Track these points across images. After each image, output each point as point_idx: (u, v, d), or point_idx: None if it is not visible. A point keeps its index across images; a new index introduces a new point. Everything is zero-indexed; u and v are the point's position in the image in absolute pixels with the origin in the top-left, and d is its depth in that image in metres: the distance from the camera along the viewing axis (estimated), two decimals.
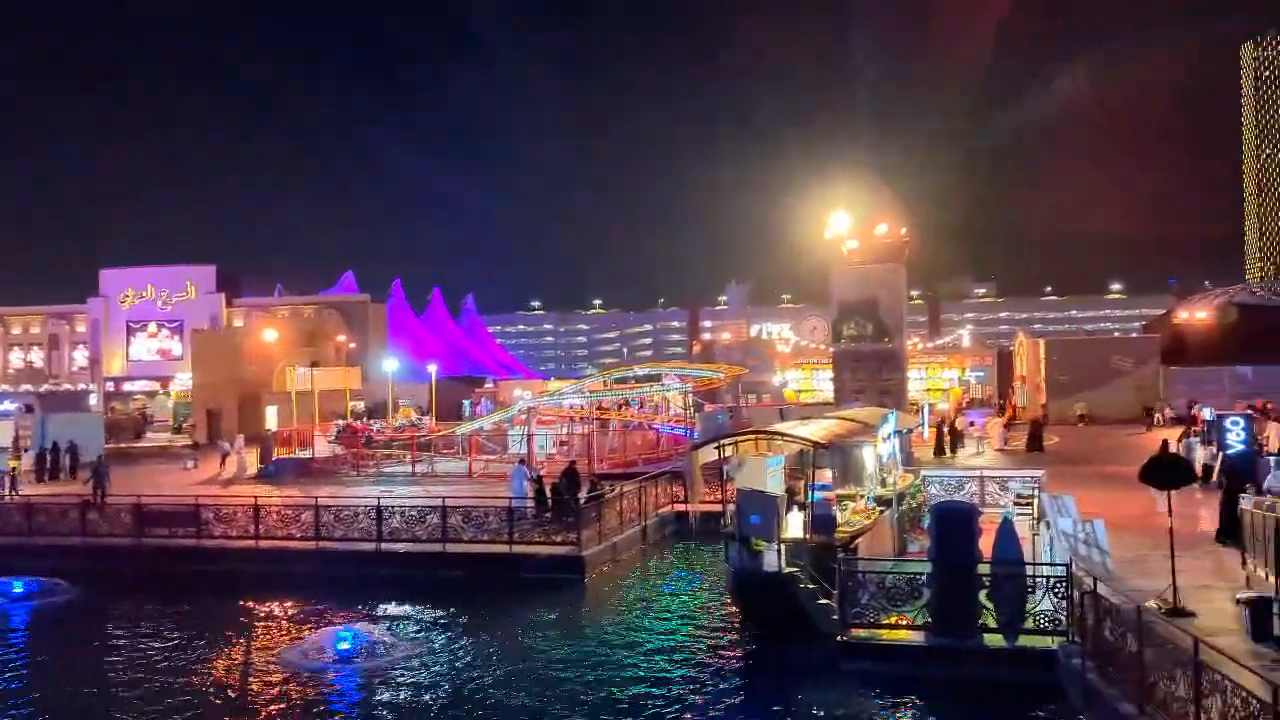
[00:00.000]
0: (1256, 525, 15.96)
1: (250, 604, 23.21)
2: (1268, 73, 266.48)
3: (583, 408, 44.06)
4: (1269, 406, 46.89)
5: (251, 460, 41.16)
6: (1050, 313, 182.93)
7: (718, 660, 18.05)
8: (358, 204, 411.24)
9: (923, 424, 39.28)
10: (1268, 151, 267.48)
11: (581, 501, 25.64)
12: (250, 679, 17.68)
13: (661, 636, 19.77)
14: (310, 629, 20.60)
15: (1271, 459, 30.02)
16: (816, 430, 21.68)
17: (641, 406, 46.72)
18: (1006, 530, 16.40)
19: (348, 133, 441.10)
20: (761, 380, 64.58)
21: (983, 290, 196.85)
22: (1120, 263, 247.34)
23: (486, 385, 79.77)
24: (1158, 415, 50.83)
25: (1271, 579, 14.06)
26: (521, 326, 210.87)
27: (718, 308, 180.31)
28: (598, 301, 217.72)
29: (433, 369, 60.45)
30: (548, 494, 27.02)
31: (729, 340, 77.10)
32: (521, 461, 30.18)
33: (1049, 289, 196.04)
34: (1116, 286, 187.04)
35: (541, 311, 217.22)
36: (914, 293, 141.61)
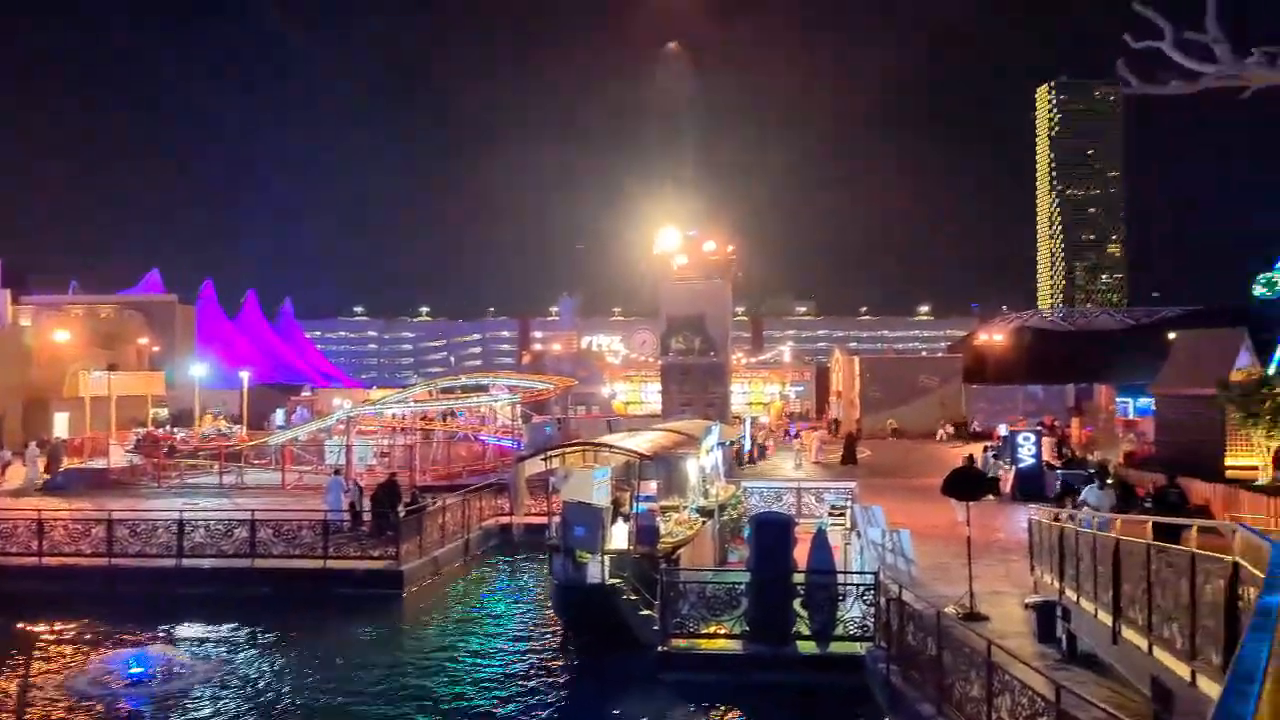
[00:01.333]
0: (1042, 534, 17.12)
1: (33, 627, 21.24)
2: (1060, 113, 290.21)
3: (406, 418, 42.90)
4: (1056, 424, 50.82)
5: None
6: (865, 331, 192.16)
7: (539, 674, 17.84)
8: (168, 200, 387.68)
9: (744, 436, 40.34)
10: (1059, 187, 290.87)
11: (401, 514, 24.87)
12: (30, 709, 16.15)
13: (482, 651, 19.41)
14: (101, 652, 19.05)
15: (1059, 472, 32.57)
16: (643, 442, 21.88)
17: (468, 417, 45.94)
18: (820, 540, 16.98)
19: (159, 123, 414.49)
20: (591, 392, 64.82)
21: (804, 309, 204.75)
22: (929, 287, 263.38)
23: (304, 393, 76.50)
24: (940, 432, 54.29)
25: (1056, 584, 15.08)
26: (344, 333, 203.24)
27: (549, 319, 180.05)
28: (425, 309, 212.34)
29: (245, 375, 57.39)
30: (366, 507, 26.10)
31: (560, 351, 76.93)
32: (337, 472, 28.98)
33: (864, 309, 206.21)
34: (924, 309, 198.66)
35: (365, 318, 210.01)
36: (739, 309, 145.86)
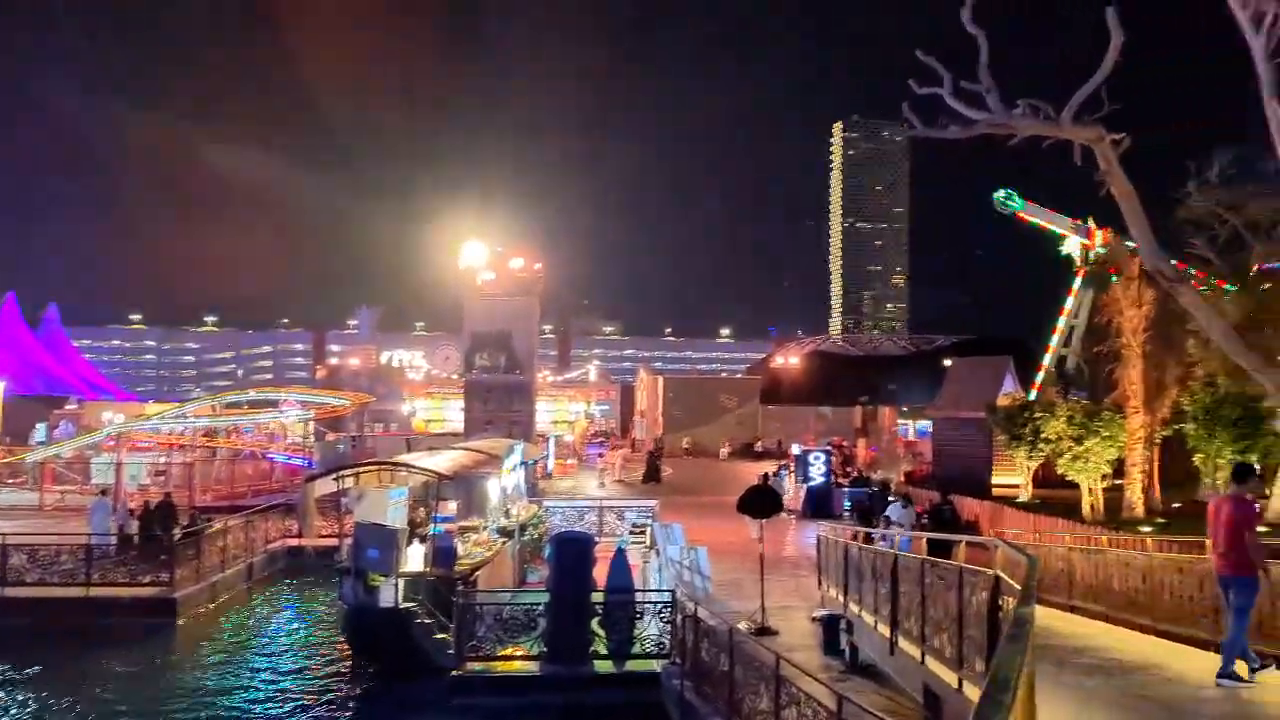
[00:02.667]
0: (829, 550, 17.86)
1: None
2: (851, 151, 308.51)
3: (185, 434, 40.16)
4: (844, 443, 53.55)
5: None
6: (670, 352, 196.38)
7: (325, 703, 16.99)
8: None
9: (547, 455, 40.19)
10: (850, 220, 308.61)
11: (177, 537, 23.17)
12: None
13: (264, 681, 18.29)
14: None
15: (845, 490, 34.24)
16: (442, 461, 21.34)
17: (255, 434, 43.53)
18: (619, 559, 17.04)
19: None
20: (390, 409, 62.96)
21: (611, 328, 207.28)
22: (731, 310, 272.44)
23: (69, 406, 70.40)
24: (722, 450, 56.44)
25: (841, 598, 15.73)
26: (118, 342, 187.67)
27: (347, 331, 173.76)
28: (211, 318, 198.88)
29: (0, 386, 52.16)
30: (137, 529, 24.16)
31: (357, 366, 74.26)
32: (103, 493, 26.71)
33: (669, 330, 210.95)
34: (726, 331, 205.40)
35: (143, 326, 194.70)
36: (546, 326, 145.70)
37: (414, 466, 20.46)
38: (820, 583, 18.59)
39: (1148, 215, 19.56)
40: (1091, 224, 51.31)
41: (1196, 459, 25.41)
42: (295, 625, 23.43)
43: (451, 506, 21.31)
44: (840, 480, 37.05)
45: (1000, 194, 50.99)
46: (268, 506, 29.47)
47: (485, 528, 22.73)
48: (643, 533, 25.29)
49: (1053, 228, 51.99)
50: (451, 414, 59.00)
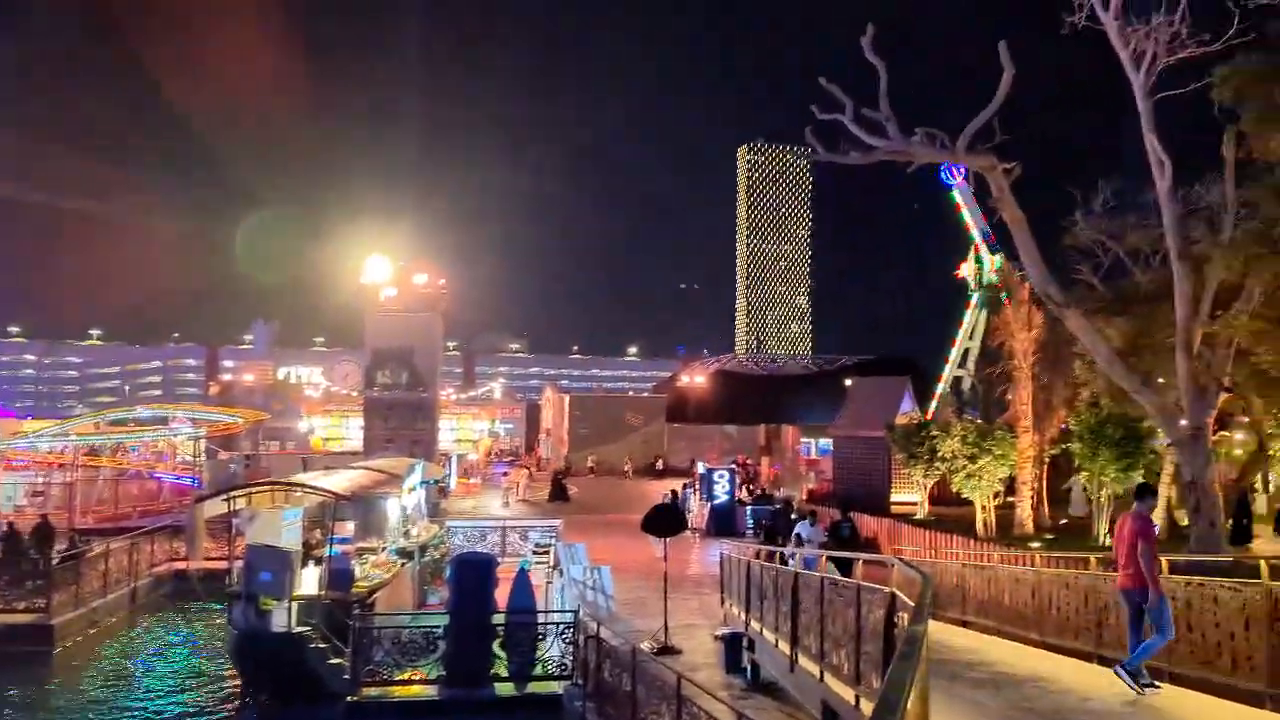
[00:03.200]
0: (732, 568, 17.95)
1: None
2: (756, 174, 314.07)
3: (66, 452, 38.28)
4: (748, 462, 54.12)
5: None
6: (576, 370, 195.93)
7: None
8: None
9: (449, 474, 39.58)
10: (755, 241, 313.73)
11: (54, 561, 22.01)
12: None
13: (147, 710, 17.47)
14: None
15: (748, 508, 34.56)
16: (340, 481, 20.77)
17: (142, 452, 41.75)
18: (521, 580, 16.83)
19: None
20: (286, 426, 61.18)
21: (516, 345, 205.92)
22: (638, 327, 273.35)
23: None
24: (626, 468, 56.74)
25: (743, 616, 15.81)
26: None
27: (242, 347, 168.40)
28: (96, 332, 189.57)
29: None
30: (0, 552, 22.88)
31: (252, 382, 72.06)
32: None
33: (576, 348, 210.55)
34: (633, 349, 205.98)
35: (22, 339, 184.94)
36: (451, 344, 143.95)
37: (310, 486, 19.86)
38: (723, 601, 18.67)
39: (1037, 242, 20.35)
40: (986, 249, 53.23)
41: (1081, 476, 26.42)
42: (181, 652, 22.47)
43: (349, 527, 20.73)
44: (744, 498, 37.39)
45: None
46: (154, 528, 28.28)
47: (384, 549, 22.18)
48: (546, 552, 25.05)
49: (970, 231, 53.30)
50: (351, 432, 57.68)
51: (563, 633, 16.01)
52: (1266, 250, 15.43)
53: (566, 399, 66.50)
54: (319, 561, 18.82)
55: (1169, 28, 17.96)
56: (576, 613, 16.34)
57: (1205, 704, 9.32)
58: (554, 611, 17.51)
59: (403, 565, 22.02)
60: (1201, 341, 18.32)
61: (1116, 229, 25.02)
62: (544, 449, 67.36)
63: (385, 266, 44.05)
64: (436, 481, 31.41)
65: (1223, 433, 28.21)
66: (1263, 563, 10.02)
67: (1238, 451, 31.47)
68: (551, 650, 15.96)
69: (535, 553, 25.70)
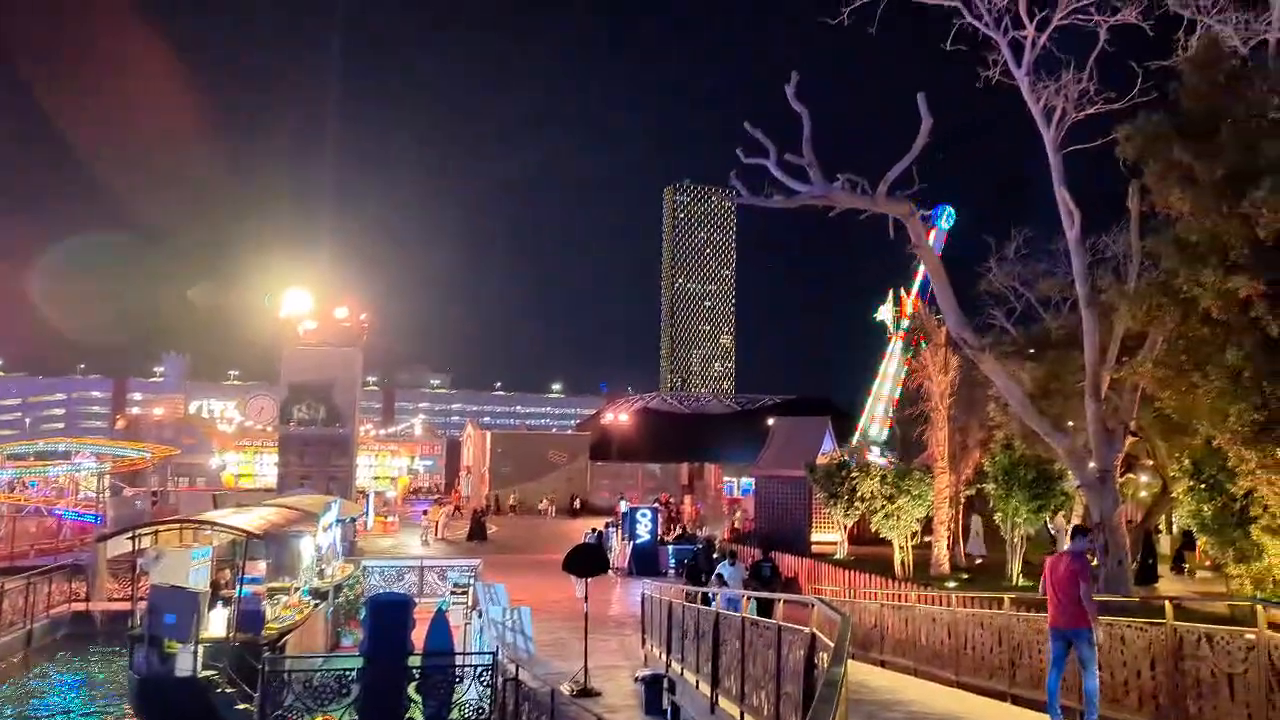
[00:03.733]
0: (653, 609, 17.84)
1: None
2: (681, 214, 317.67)
3: None
4: (671, 500, 54.11)
5: None
6: (499, 406, 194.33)
7: None
8: None
9: (366, 512, 38.73)
10: (679, 281, 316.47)
11: None
12: None
13: None
14: None
15: (670, 548, 34.50)
16: (251, 519, 20.13)
17: (41, 488, 39.98)
18: (439, 621, 16.47)
19: None
20: (197, 462, 59.26)
21: (438, 381, 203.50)
22: (563, 364, 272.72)
23: None
24: (540, 506, 56.52)
25: (664, 657, 15.69)
26: None
27: (152, 379, 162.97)
28: None
29: None
30: None
31: (162, 416, 69.73)
32: None
33: (499, 384, 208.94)
34: (557, 386, 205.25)
35: None
36: (371, 378, 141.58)
37: (219, 524, 19.21)
38: (644, 641, 18.52)
39: (953, 287, 20.91)
40: (904, 292, 54.39)
41: (996, 517, 26.99)
42: (79, 697, 21.41)
43: (260, 567, 20.09)
44: (666, 538, 37.31)
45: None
46: (53, 568, 27.01)
47: (297, 589, 21.53)
48: (465, 592, 24.59)
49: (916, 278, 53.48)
50: (265, 468, 56.19)
51: (481, 675, 15.66)
52: (1168, 300, 16.05)
53: (488, 436, 65.81)
54: (228, 602, 18.19)
55: (1077, 85, 18.77)
56: (495, 654, 16.02)
57: None
58: (472, 653, 17.14)
59: (316, 606, 21.40)
60: (1109, 386, 18.96)
61: (1029, 276, 25.89)
62: (464, 487, 66.42)
63: (305, 300, 43.20)
64: (353, 519, 30.69)
65: (1129, 475, 29.14)
66: (1167, 603, 10.32)
67: (1143, 493, 32.55)
68: (469, 694, 15.59)
69: (454, 593, 25.19)
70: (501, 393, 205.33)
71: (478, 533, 42.90)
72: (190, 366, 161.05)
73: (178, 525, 19.99)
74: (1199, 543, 24.07)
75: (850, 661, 8.01)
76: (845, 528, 31.97)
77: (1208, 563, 25.70)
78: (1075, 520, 25.12)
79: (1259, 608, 9.80)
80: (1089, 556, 10.35)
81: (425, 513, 45.74)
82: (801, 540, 34.31)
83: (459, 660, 16.23)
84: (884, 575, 26.59)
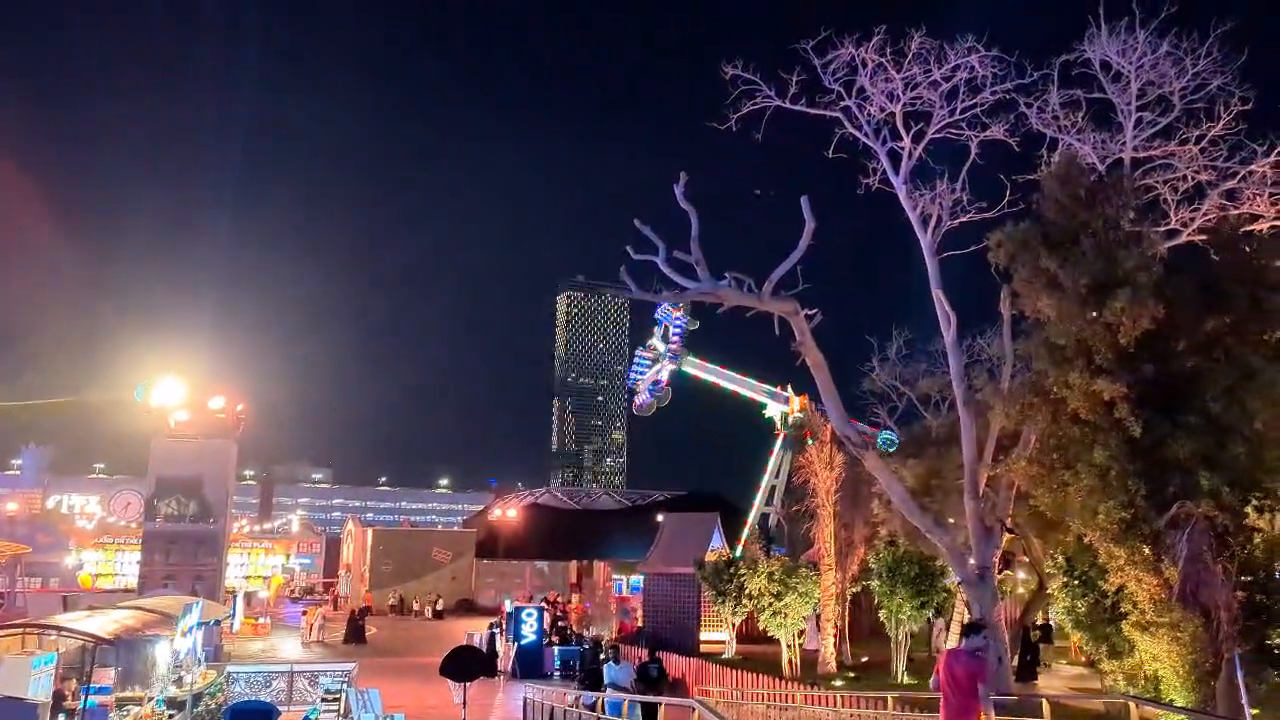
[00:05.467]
0: (536, 713, 17.15)
1: None
2: (575, 309, 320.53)
3: None
4: (558, 599, 52.88)
5: None
6: (383, 502, 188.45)
7: None
8: None
9: (234, 614, 36.59)
10: (572, 375, 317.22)
11: None
12: None
13: None
14: None
15: (556, 649, 33.49)
16: (103, 623, 18.70)
17: None
18: None
19: None
20: (52, 561, 55.25)
21: (319, 475, 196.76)
22: (448, 459, 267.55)
23: None
24: (416, 606, 54.78)
25: None
26: None
27: (9, 473, 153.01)
28: None
29: None
30: None
31: (16, 511, 65.22)
32: None
33: (383, 479, 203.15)
34: (444, 481, 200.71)
35: None
36: (248, 472, 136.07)
37: (66, 629, 17.77)
38: None
39: (838, 385, 21.34)
40: (790, 391, 55.40)
41: (881, 614, 27.15)
42: None
43: (110, 675, 18.59)
44: (553, 638, 36.25)
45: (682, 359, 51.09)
46: None
47: (150, 699, 19.93)
48: (337, 699, 23.22)
49: (741, 390, 54.76)
50: (126, 568, 52.81)
51: None
52: (1039, 400, 16.68)
53: (370, 532, 63.53)
54: (71, 715, 16.71)
55: (951, 195, 19.74)
56: None
57: None
58: None
59: (172, 717, 19.82)
60: (986, 484, 19.46)
61: (910, 376, 26.70)
62: (343, 586, 63.66)
63: (178, 389, 41.33)
64: (218, 621, 28.88)
65: (1007, 571, 29.83)
66: (1044, 702, 10.37)
67: (1020, 590, 33.31)
68: None
69: (325, 700, 23.77)
70: (386, 487, 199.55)
71: (354, 635, 40.94)
72: (52, 460, 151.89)
73: (21, 630, 18.41)
74: (1073, 639, 24.62)
75: None
76: (733, 626, 31.66)
77: (1083, 659, 26.29)
78: (957, 618, 25.42)
79: (1131, 704, 9.93)
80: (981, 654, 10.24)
81: (305, 613, 43.48)
82: (690, 639, 33.78)
83: None
84: (772, 674, 26.25)
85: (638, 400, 51.35)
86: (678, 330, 48.85)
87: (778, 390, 52.56)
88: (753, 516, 54.17)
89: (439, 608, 54.62)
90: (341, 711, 21.59)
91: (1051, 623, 31.01)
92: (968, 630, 10.86)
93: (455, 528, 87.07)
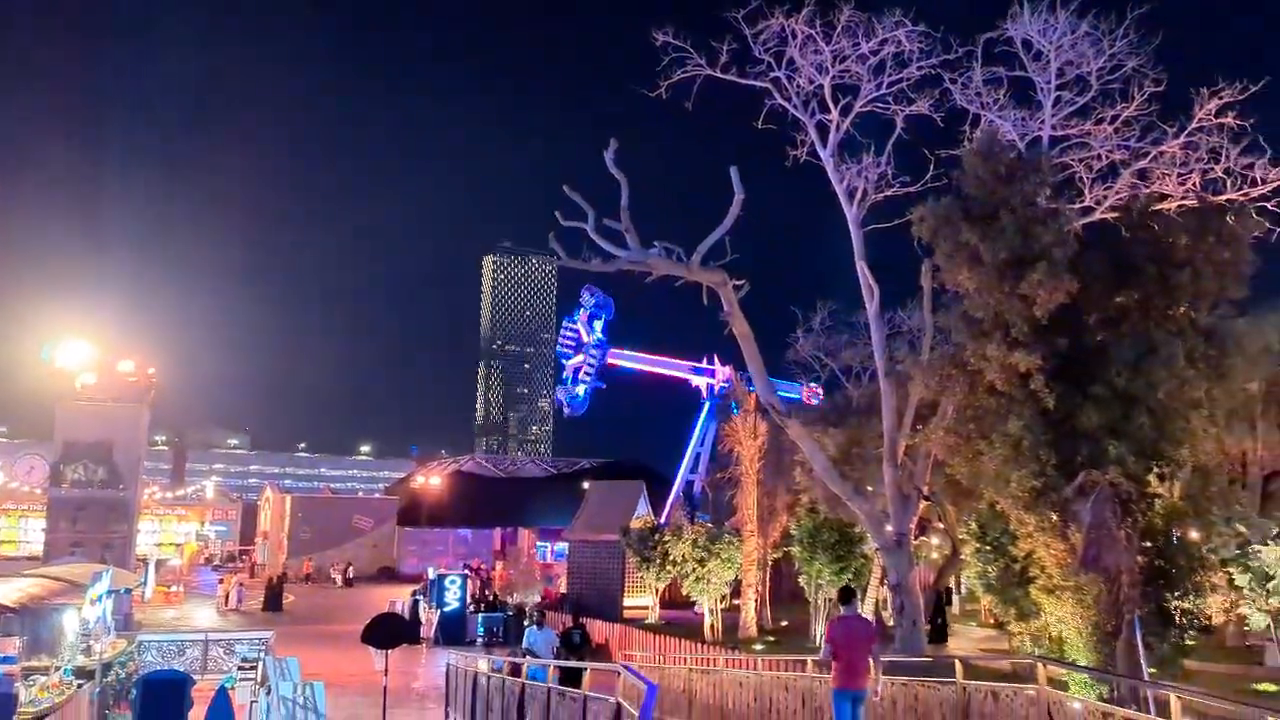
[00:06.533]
0: (459, 679, 17.11)
1: None
2: (501, 275, 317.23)
3: None
4: (482, 566, 52.75)
5: None
6: (301, 469, 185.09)
7: None
8: None
9: (145, 582, 35.74)
10: (498, 342, 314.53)
11: None
12: None
13: None
14: None
15: (480, 616, 33.45)
16: (7, 590, 18.10)
17: None
18: (221, 700, 15.18)
19: None
20: None
21: (235, 441, 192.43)
22: (370, 426, 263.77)
23: None
24: (333, 574, 54.28)
25: None
26: None
27: None
28: None
29: None
30: None
31: None
32: None
33: (302, 445, 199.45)
34: (366, 448, 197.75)
35: None
36: (160, 437, 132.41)
37: None
38: (448, 715, 17.72)
39: (764, 355, 21.53)
40: (717, 361, 55.87)
41: (801, 579, 27.71)
42: None
43: (14, 644, 17.97)
44: (477, 605, 36.17)
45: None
46: None
47: (57, 669, 19.37)
48: (254, 668, 22.85)
49: (668, 372, 55.60)
50: (31, 535, 51.09)
51: None
52: (957, 371, 17.07)
53: (288, 499, 62.48)
54: None
55: (877, 169, 19.95)
56: None
57: None
58: None
59: (80, 687, 19.27)
60: (905, 453, 19.89)
61: (832, 346, 27.09)
62: (261, 553, 62.57)
63: (85, 351, 39.85)
64: (129, 590, 28.17)
65: (923, 538, 30.66)
66: (957, 662, 10.71)
67: (935, 555, 34.29)
68: None
69: (241, 669, 23.37)
70: (305, 454, 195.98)
71: (273, 603, 40.33)
72: None
73: None
74: (983, 602, 25.44)
75: None
76: (657, 591, 32.00)
77: (992, 621, 27.20)
78: (874, 583, 26.05)
79: (1039, 665, 10.30)
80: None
81: (221, 581, 42.64)
82: (614, 605, 34.06)
83: None
84: (694, 639, 26.65)
85: (567, 412, 53.86)
86: (599, 316, 50.61)
87: (703, 365, 53.17)
88: (678, 484, 54.65)
89: (350, 575, 53.92)
90: (259, 680, 21.23)
91: (951, 587, 32.00)
92: (847, 595, 11.07)
93: (377, 495, 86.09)
